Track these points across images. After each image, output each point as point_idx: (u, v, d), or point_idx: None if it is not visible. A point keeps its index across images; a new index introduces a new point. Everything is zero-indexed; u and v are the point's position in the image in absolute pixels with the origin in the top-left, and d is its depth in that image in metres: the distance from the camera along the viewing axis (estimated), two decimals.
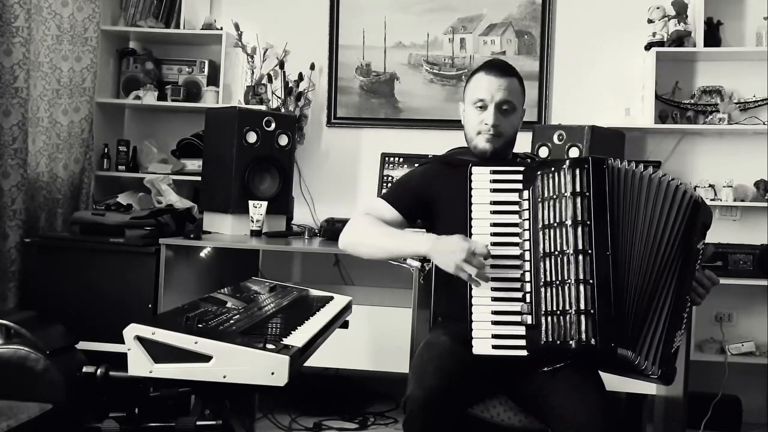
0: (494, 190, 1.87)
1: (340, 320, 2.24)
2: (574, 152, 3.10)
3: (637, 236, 1.77)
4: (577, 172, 1.77)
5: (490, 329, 1.78)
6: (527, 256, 1.80)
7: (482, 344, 1.78)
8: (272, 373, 1.51)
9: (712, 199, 3.54)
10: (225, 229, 3.11)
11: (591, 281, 1.71)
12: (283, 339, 1.69)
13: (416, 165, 2.29)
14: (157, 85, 3.89)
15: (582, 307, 1.70)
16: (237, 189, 3.08)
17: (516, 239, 1.82)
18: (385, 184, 3.43)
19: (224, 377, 1.53)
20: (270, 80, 3.82)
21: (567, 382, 1.78)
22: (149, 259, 2.82)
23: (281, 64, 3.82)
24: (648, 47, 3.57)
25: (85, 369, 1.85)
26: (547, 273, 1.76)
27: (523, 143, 3.06)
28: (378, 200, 2.10)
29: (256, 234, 3.02)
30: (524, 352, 1.76)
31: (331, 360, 2.92)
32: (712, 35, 3.56)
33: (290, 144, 3.24)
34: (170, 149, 3.91)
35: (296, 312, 2.08)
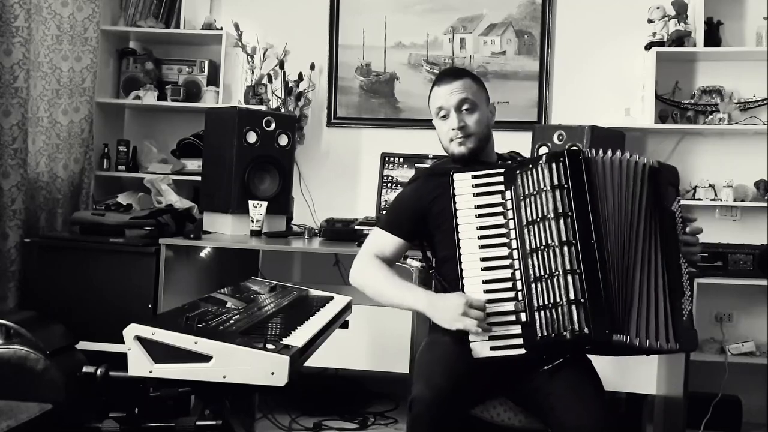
0: (477, 194, 1.90)
1: (340, 320, 2.25)
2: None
3: (611, 220, 1.79)
4: (554, 165, 1.80)
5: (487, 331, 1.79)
6: (515, 254, 1.82)
7: (480, 347, 1.78)
8: (272, 373, 1.51)
9: (712, 199, 3.54)
10: (225, 229, 3.11)
11: (578, 270, 1.73)
12: (283, 339, 1.69)
13: (406, 182, 2.32)
14: (157, 85, 3.90)
15: (572, 297, 1.72)
16: (237, 189, 3.08)
17: (503, 239, 1.85)
18: (385, 184, 3.42)
19: (224, 377, 1.53)
20: (270, 80, 3.82)
21: (566, 381, 1.78)
22: (149, 259, 2.82)
23: (281, 64, 3.82)
24: (648, 47, 3.57)
25: (85, 369, 1.84)
26: (536, 268, 1.78)
27: (523, 143, 3.07)
28: (378, 233, 2.10)
29: (256, 234, 3.02)
30: (522, 351, 1.76)
31: (331, 360, 2.91)
32: (712, 35, 3.57)
33: (290, 144, 3.24)
34: (170, 149, 3.92)
35: (296, 312, 2.08)
